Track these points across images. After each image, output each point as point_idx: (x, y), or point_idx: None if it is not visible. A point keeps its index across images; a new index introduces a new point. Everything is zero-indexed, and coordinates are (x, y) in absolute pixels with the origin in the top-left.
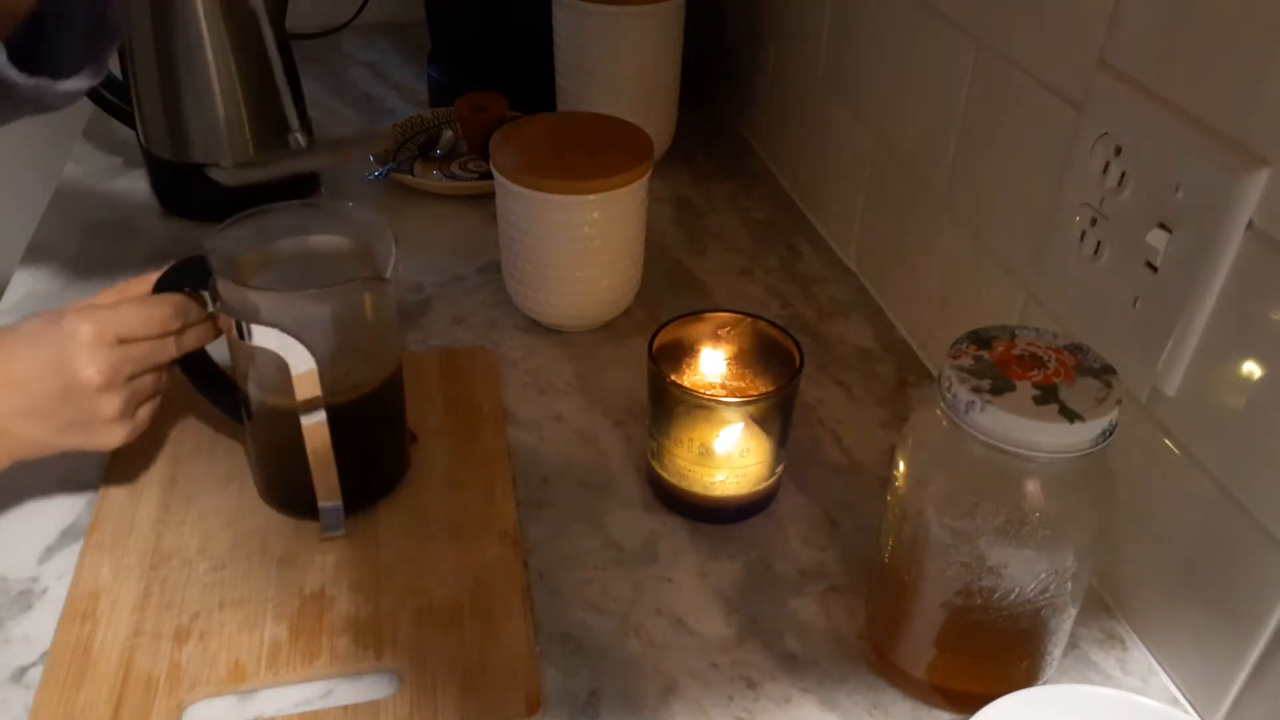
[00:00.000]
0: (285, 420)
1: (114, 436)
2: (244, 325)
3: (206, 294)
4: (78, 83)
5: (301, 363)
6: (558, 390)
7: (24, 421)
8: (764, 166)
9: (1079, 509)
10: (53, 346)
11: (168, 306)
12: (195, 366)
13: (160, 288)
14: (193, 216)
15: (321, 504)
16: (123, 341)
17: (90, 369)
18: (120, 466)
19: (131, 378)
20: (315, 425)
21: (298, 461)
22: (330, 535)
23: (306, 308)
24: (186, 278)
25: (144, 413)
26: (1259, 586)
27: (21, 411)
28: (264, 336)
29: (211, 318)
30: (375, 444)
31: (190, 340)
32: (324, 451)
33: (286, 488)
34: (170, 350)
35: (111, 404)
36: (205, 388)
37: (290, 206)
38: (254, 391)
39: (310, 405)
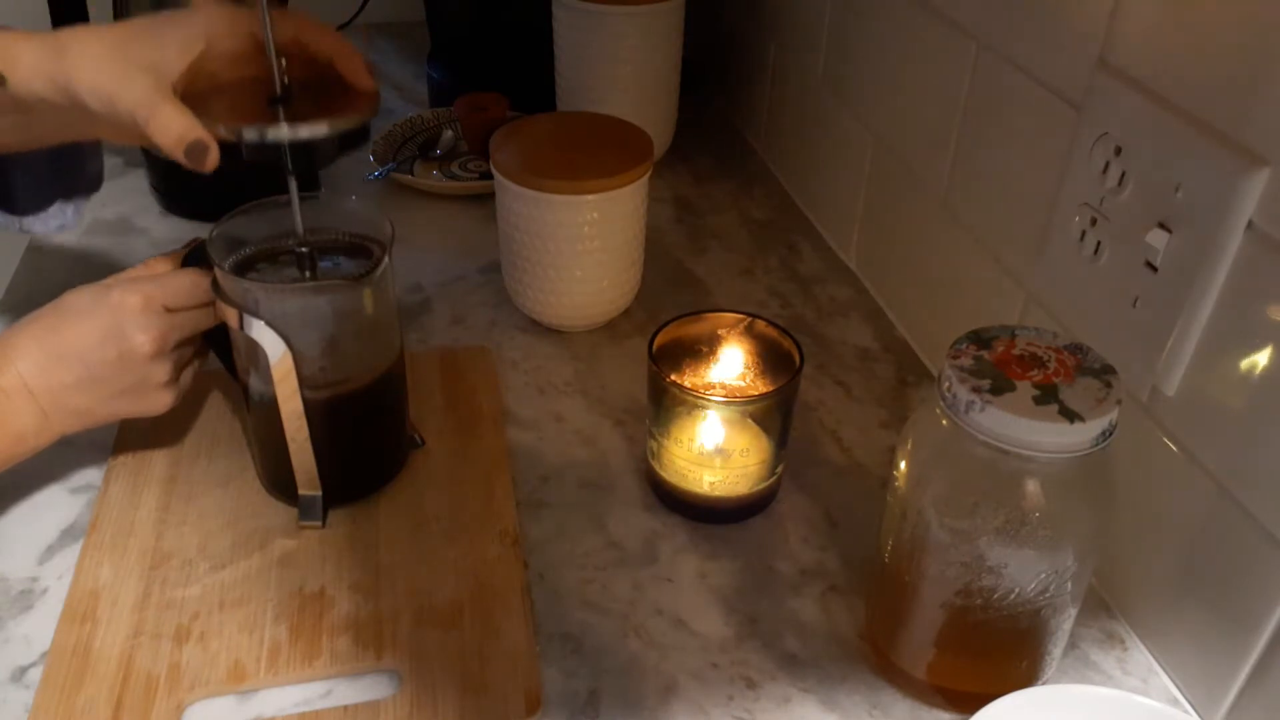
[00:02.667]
0: (278, 409)
1: (163, 401)
2: (242, 315)
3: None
4: (47, 224)
5: (280, 353)
6: (558, 390)
7: (79, 393)
8: (764, 166)
9: (1079, 509)
10: (105, 317)
11: (203, 277)
12: (220, 338)
13: (188, 263)
14: (192, 215)
15: (300, 492)
16: (169, 310)
17: (142, 336)
18: (120, 466)
19: (178, 345)
20: (293, 415)
21: (287, 450)
22: (308, 524)
23: (303, 300)
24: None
25: (186, 378)
26: (1259, 586)
27: (78, 383)
28: (250, 326)
29: (213, 305)
30: (367, 439)
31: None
32: (302, 441)
33: (281, 476)
34: (209, 319)
35: (162, 370)
36: (226, 359)
37: (290, 200)
38: (252, 380)
39: (288, 396)
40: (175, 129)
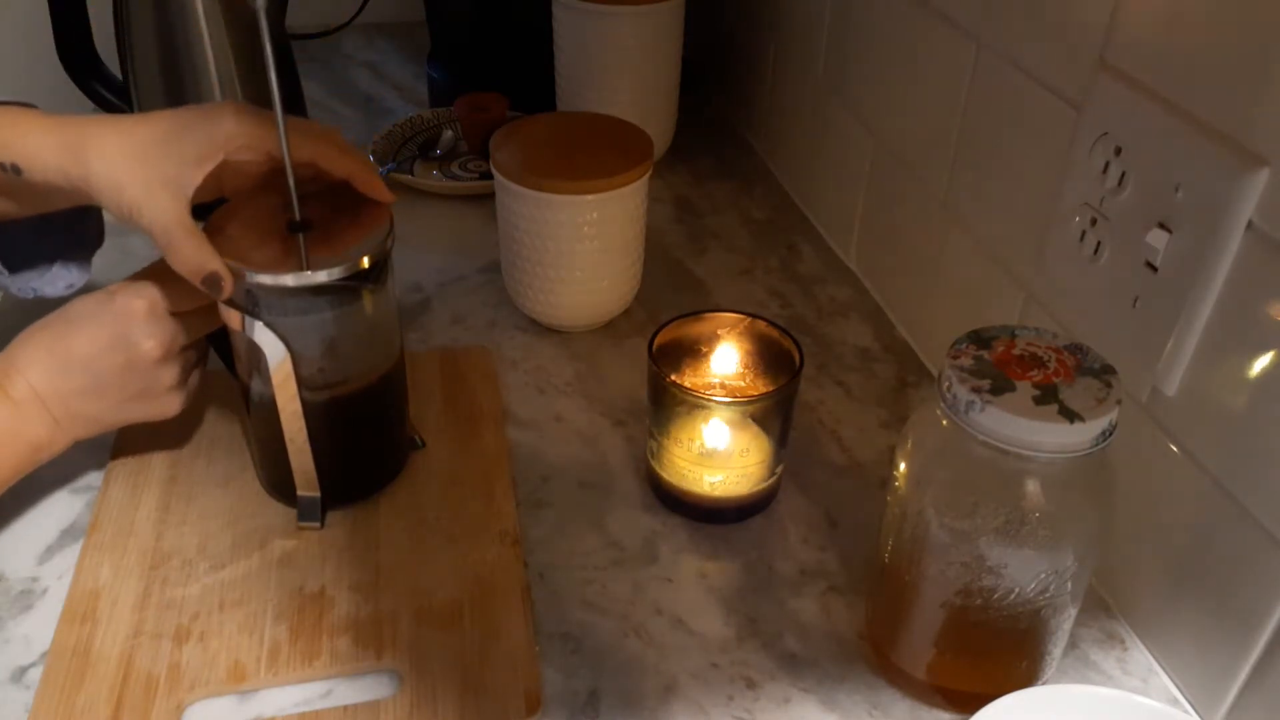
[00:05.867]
0: (277, 411)
1: (172, 405)
2: (243, 317)
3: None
4: (55, 285)
5: (280, 357)
6: (558, 390)
7: (88, 399)
8: (764, 166)
9: (1079, 509)
10: (111, 323)
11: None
12: (221, 338)
13: None
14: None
15: (299, 494)
16: (174, 314)
17: (150, 341)
18: (120, 466)
19: (184, 348)
20: (292, 417)
21: (286, 452)
22: (306, 525)
23: (302, 301)
24: None
25: (193, 381)
26: (1259, 586)
27: (87, 389)
28: (251, 328)
29: (214, 307)
30: (367, 441)
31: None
32: (301, 443)
33: (281, 477)
34: (215, 321)
35: (170, 374)
36: (228, 359)
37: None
38: (252, 381)
39: (288, 399)
40: (193, 261)
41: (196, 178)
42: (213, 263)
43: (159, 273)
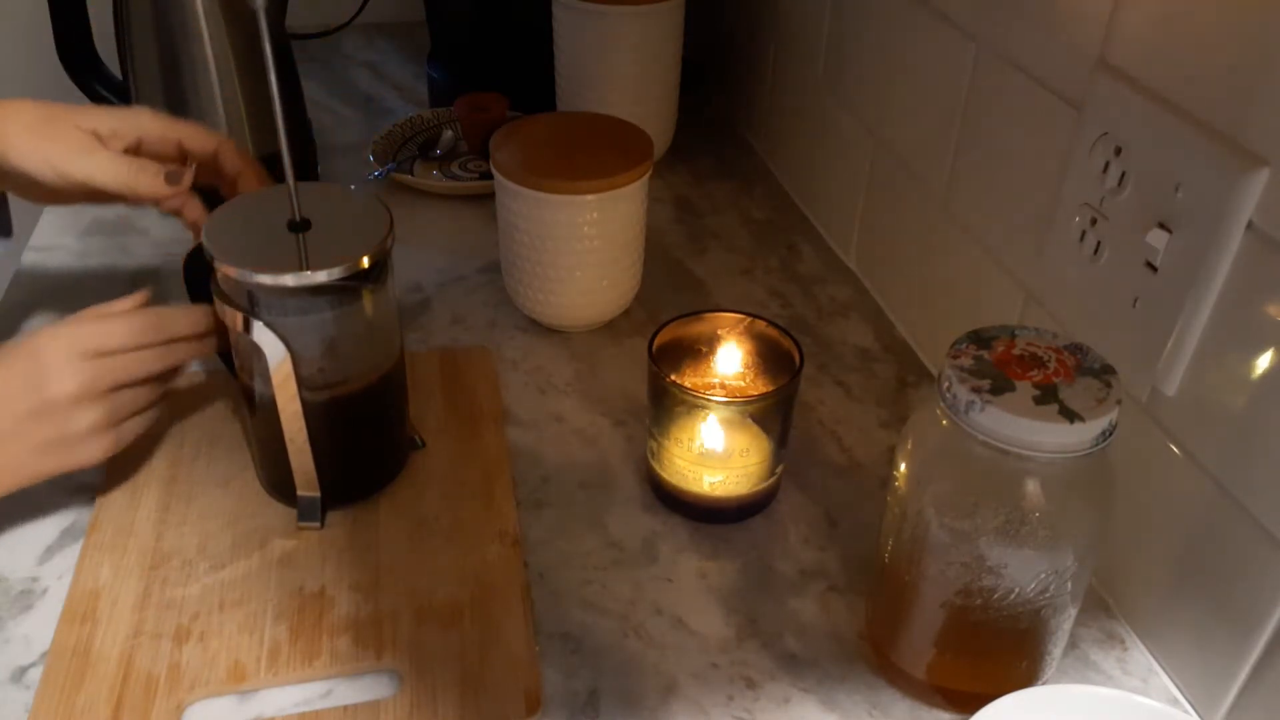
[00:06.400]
0: (277, 411)
1: (93, 452)
2: (244, 317)
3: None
4: None
5: (280, 357)
6: (558, 390)
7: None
8: (764, 166)
9: (1079, 509)
10: (20, 366)
11: (150, 318)
12: (222, 339)
13: (188, 268)
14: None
15: (299, 494)
16: (100, 355)
17: (62, 383)
18: (120, 467)
19: (114, 389)
20: (292, 417)
21: (286, 452)
22: (306, 525)
23: (302, 301)
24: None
25: (131, 426)
26: (1259, 586)
27: None
28: (251, 328)
29: (214, 310)
30: (367, 441)
31: (181, 352)
32: (301, 443)
33: (281, 477)
34: (155, 362)
35: (87, 417)
36: (227, 359)
37: (287, 189)
38: (253, 381)
39: (288, 399)
40: (149, 186)
41: (114, 140)
42: (153, 168)
43: (91, 314)
